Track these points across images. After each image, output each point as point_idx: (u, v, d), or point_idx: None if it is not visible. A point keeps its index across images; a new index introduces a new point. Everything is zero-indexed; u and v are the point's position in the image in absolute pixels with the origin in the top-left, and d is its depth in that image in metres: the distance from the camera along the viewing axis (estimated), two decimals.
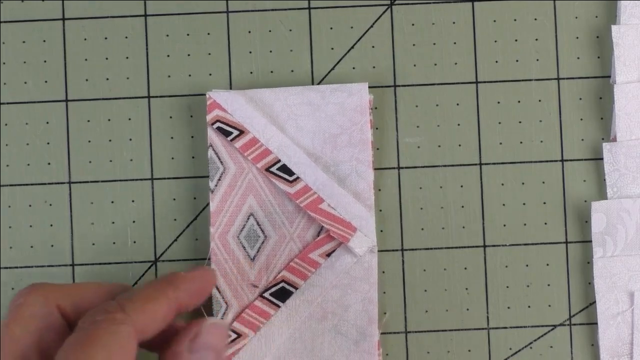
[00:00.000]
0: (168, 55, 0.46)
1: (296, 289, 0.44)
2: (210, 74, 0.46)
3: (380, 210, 0.45)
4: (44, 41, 0.46)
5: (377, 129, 0.46)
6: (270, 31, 0.46)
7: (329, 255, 0.44)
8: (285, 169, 0.44)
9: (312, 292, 0.44)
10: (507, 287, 0.45)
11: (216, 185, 0.44)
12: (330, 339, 0.44)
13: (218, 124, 0.44)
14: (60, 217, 0.46)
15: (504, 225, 0.45)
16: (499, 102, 0.45)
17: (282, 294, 0.44)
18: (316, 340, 0.44)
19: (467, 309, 0.45)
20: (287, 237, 0.44)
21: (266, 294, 0.44)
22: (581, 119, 0.45)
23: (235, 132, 0.44)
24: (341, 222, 0.44)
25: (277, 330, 0.44)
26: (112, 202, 0.46)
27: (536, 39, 0.45)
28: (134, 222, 0.46)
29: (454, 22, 0.46)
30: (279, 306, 0.44)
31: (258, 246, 0.44)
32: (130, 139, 0.46)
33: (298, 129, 0.44)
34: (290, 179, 0.44)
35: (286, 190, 0.44)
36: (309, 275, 0.44)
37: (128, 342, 0.36)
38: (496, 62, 0.46)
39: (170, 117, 0.46)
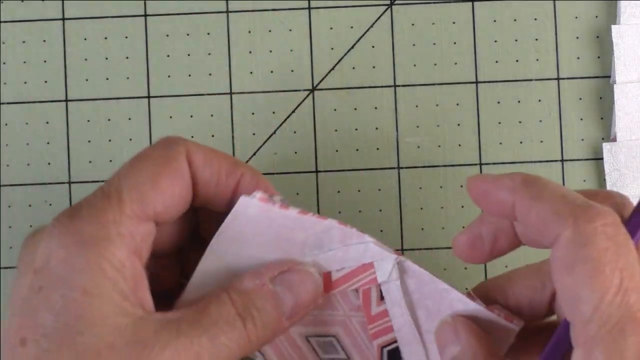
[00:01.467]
0: (168, 55, 0.46)
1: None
2: (210, 74, 0.46)
3: (380, 210, 0.45)
4: (44, 41, 0.46)
5: (376, 129, 0.46)
6: (270, 31, 0.46)
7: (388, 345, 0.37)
8: None
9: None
10: None
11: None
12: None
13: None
14: None
15: None
16: (499, 102, 0.45)
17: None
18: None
19: None
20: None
21: None
22: (581, 119, 0.45)
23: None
24: (356, 271, 0.36)
25: None
26: None
27: (536, 39, 0.45)
28: None
29: (454, 22, 0.46)
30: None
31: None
32: (130, 139, 0.46)
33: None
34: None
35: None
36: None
37: None
38: (496, 62, 0.46)
39: (171, 117, 0.46)
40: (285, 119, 0.46)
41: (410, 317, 0.36)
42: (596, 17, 0.45)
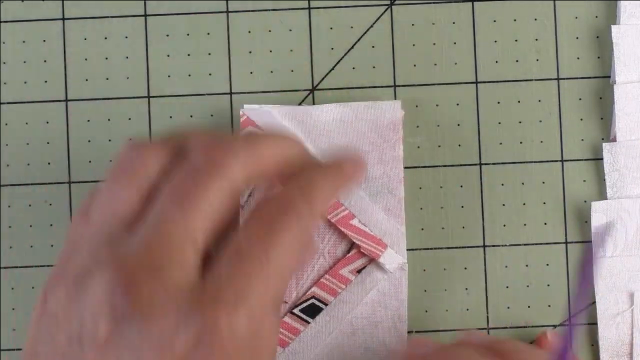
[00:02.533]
0: (168, 55, 0.46)
1: (326, 305, 0.44)
2: (210, 74, 0.46)
3: None
4: (44, 41, 0.46)
5: None
6: (270, 31, 0.46)
7: (359, 271, 0.44)
8: None
9: (342, 308, 0.44)
10: (507, 287, 0.45)
11: (246, 201, 0.44)
12: (359, 356, 0.44)
13: None
14: (60, 217, 0.46)
15: (504, 225, 0.45)
16: (499, 102, 0.45)
17: (312, 310, 0.44)
18: (345, 357, 0.44)
19: (467, 309, 0.45)
20: (318, 253, 0.44)
21: (296, 310, 0.44)
22: (581, 119, 0.45)
23: None
24: (372, 238, 0.44)
25: (306, 346, 0.44)
26: None
27: (536, 39, 0.45)
28: None
29: (454, 22, 0.46)
30: (308, 322, 0.44)
31: None
32: (130, 139, 0.46)
33: (330, 145, 0.44)
34: None
35: None
36: (339, 291, 0.44)
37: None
38: (496, 62, 0.46)
39: (170, 117, 0.46)
40: None
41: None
42: (596, 17, 0.45)
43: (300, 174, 0.36)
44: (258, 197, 0.38)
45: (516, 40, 0.45)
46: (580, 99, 0.45)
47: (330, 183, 0.36)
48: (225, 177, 0.34)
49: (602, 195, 0.45)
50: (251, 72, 0.46)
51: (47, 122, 0.46)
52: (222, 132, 0.44)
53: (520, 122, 0.45)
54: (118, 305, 0.33)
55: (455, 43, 0.46)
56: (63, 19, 0.46)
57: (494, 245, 0.45)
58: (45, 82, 0.46)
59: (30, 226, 0.46)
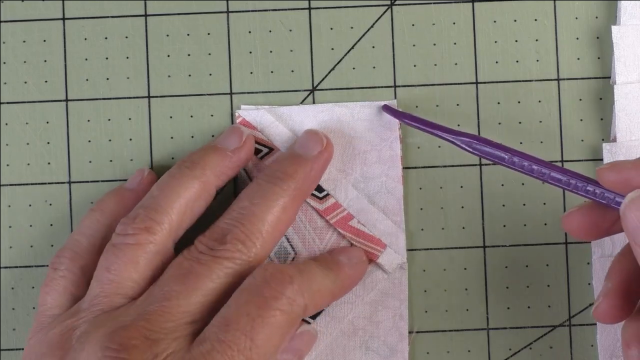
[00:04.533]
0: (168, 55, 0.46)
1: (327, 305, 0.44)
2: (210, 74, 0.46)
3: None
4: (44, 41, 0.46)
5: None
6: (270, 31, 0.46)
7: None
8: None
9: (342, 308, 0.44)
10: (507, 287, 0.45)
11: None
12: (360, 356, 0.44)
13: None
14: (60, 217, 0.46)
15: (504, 226, 0.45)
16: (499, 103, 0.45)
17: None
18: (347, 357, 0.44)
19: (467, 309, 0.45)
20: (318, 254, 0.44)
21: None
22: (581, 120, 0.45)
23: (265, 150, 0.44)
24: (371, 239, 0.44)
25: None
26: None
27: (536, 40, 0.45)
28: None
29: (454, 23, 0.46)
30: (309, 323, 0.44)
31: (288, 262, 0.44)
32: (130, 139, 0.46)
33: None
34: (320, 195, 0.44)
35: (316, 207, 0.44)
36: None
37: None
38: (496, 62, 0.46)
39: (171, 117, 0.46)
40: None
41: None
42: (596, 17, 0.45)
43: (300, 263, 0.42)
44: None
45: (516, 41, 0.45)
46: (580, 100, 0.45)
47: (330, 286, 0.41)
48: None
49: None
50: (251, 72, 0.46)
51: (47, 122, 0.46)
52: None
53: (520, 123, 0.45)
54: None
55: (455, 43, 0.46)
56: (63, 19, 0.46)
57: (493, 246, 0.45)
58: (45, 82, 0.46)
59: (30, 226, 0.46)
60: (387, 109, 0.44)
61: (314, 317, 0.44)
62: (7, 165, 0.46)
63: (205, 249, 0.40)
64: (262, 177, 0.42)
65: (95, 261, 0.41)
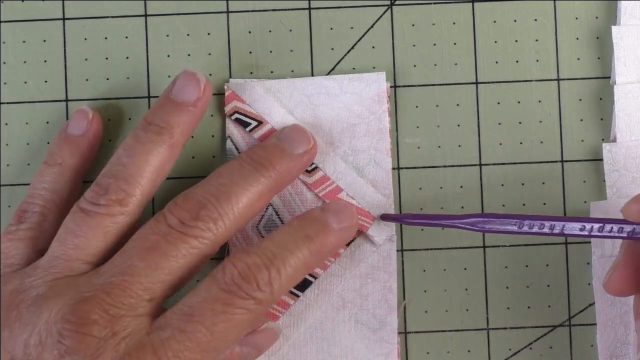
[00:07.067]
0: (168, 55, 0.46)
1: (315, 278, 0.44)
2: (210, 74, 0.46)
3: None
4: (44, 41, 0.46)
5: None
6: (270, 31, 0.46)
7: (348, 244, 0.44)
8: None
9: (331, 281, 0.44)
10: (507, 287, 0.45)
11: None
12: (349, 328, 0.44)
13: (236, 115, 0.44)
14: None
15: None
16: (499, 103, 0.45)
17: (302, 284, 0.44)
18: (336, 330, 0.44)
19: (467, 310, 0.45)
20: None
21: None
22: (581, 120, 0.45)
23: (254, 123, 0.44)
24: (360, 211, 0.44)
25: (297, 320, 0.44)
26: None
27: (536, 40, 0.45)
28: None
29: (454, 23, 0.46)
30: (298, 296, 0.44)
31: None
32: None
33: (316, 118, 0.44)
34: (309, 168, 0.44)
35: (304, 180, 0.44)
36: (328, 264, 0.44)
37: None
38: (496, 62, 0.46)
39: None
40: None
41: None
42: (596, 17, 0.45)
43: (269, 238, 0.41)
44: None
45: (516, 41, 0.45)
46: (580, 100, 0.45)
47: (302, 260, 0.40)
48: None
49: (601, 195, 0.45)
50: (251, 72, 0.46)
51: (47, 122, 0.46)
52: None
53: (520, 123, 0.45)
54: (66, 340, 0.36)
55: (455, 43, 0.46)
56: (63, 19, 0.46)
57: (493, 246, 0.45)
58: (45, 82, 0.46)
59: None
60: (385, 217, 0.44)
61: (303, 289, 0.44)
62: (7, 165, 0.46)
63: (177, 223, 0.39)
64: (247, 159, 0.42)
65: (60, 220, 0.41)
